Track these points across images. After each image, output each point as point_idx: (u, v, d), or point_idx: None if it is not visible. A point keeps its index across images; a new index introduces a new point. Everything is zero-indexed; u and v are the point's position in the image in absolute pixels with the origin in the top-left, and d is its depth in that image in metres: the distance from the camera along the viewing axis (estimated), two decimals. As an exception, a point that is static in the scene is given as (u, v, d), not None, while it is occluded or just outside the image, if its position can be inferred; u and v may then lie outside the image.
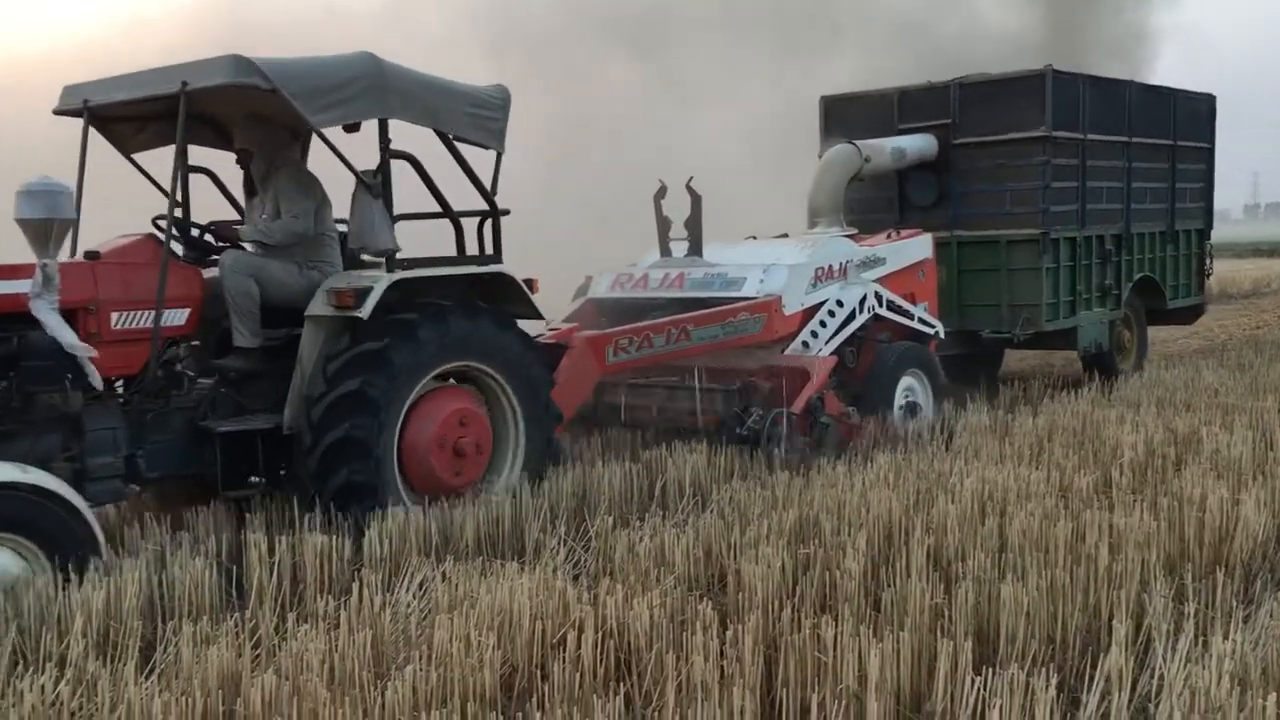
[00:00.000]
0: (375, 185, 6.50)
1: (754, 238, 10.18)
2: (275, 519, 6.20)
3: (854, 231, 10.06)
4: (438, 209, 6.98)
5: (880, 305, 9.13)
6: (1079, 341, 11.20)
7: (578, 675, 3.87)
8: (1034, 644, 4.19)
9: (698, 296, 8.67)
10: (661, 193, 9.38)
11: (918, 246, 9.90)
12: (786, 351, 8.51)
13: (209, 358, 6.55)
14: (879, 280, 9.29)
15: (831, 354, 8.57)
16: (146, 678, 3.95)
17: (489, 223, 7.05)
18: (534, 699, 3.74)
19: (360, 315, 6.17)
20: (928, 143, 11.03)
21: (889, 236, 9.86)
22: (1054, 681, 3.64)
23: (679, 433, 8.02)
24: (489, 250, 7.04)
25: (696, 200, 9.07)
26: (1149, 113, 11.95)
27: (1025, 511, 5.54)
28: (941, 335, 9.67)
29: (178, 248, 6.53)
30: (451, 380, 6.76)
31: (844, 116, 11.57)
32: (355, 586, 4.70)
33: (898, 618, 4.31)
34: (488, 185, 6.97)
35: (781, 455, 7.44)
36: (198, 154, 7.26)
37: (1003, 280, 10.68)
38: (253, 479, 6.37)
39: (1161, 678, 3.79)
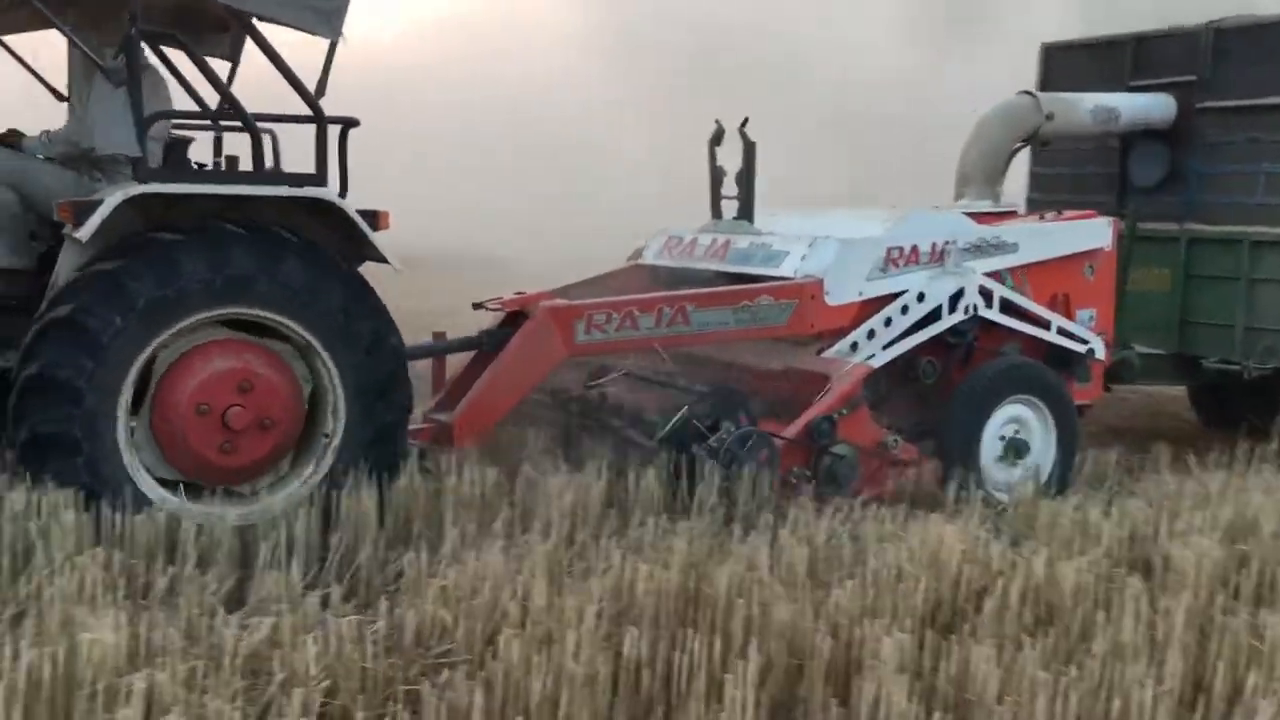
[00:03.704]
0: (116, 71, 5.04)
1: (894, 207, 7.78)
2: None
3: (1010, 209, 8.03)
4: (301, 114, 5.30)
5: (989, 305, 6.79)
6: None
7: (1004, 617, 4.10)
8: None
9: (737, 271, 6.93)
10: (717, 137, 7.43)
11: (1082, 233, 7.34)
12: (827, 354, 6.51)
13: None
14: (1001, 273, 6.94)
15: (888, 362, 6.49)
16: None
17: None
18: (965, 629, 4.01)
19: (78, 237, 4.81)
20: (1158, 104, 8.48)
21: (1041, 217, 7.60)
22: None
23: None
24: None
25: (749, 149, 7.18)
26: None
27: None
28: (1098, 355, 7.11)
29: None
30: (277, 341, 5.22)
31: (1069, 69, 9.25)
32: (791, 511, 5.18)
33: (1348, 624, 4.16)
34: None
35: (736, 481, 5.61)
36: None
37: (1241, 293, 8.13)
38: None
39: None
